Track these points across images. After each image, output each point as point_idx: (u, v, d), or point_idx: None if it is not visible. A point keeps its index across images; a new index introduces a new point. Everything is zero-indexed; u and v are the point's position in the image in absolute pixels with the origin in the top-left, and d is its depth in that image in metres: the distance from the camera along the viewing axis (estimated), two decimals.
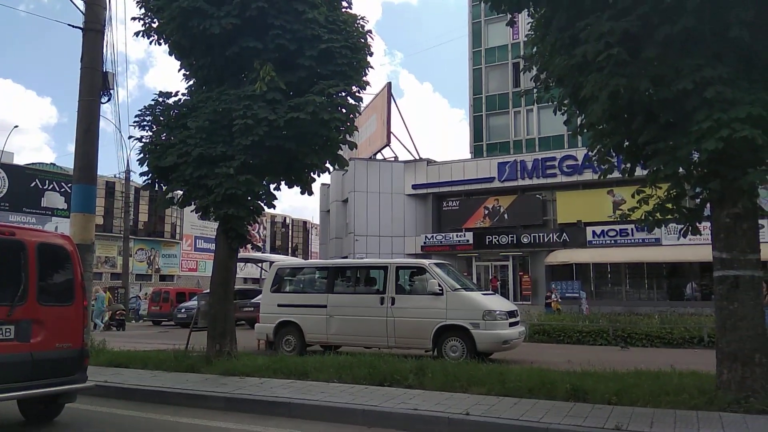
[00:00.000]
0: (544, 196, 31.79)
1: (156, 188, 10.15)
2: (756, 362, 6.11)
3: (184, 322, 22.36)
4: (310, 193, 10.45)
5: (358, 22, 9.87)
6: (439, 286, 10.70)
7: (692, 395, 6.25)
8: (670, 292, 28.24)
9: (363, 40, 9.80)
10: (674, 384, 6.73)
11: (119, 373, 8.98)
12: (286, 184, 10.16)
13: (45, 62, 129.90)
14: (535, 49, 7.66)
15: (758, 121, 5.44)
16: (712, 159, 5.89)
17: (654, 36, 5.91)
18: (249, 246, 12.27)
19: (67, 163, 47.49)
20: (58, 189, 41.08)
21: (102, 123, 10.53)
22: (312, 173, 10.20)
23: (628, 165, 7.34)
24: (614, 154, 7.41)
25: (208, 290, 10.92)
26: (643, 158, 6.95)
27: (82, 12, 10.70)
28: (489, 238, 31.54)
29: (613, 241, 28.66)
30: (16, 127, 74.21)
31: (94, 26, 10.54)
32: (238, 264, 10.95)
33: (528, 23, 7.95)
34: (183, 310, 24.76)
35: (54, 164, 46.48)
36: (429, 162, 34.94)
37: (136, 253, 49.85)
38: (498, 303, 11.08)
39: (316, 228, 67.56)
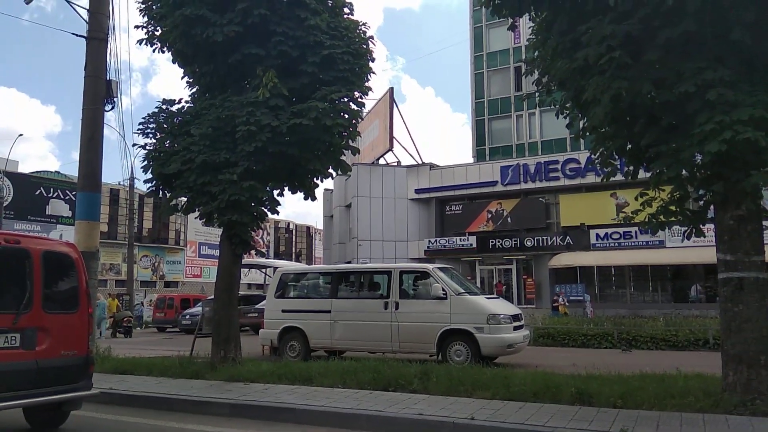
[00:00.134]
0: (548, 200, 31.77)
1: (160, 195, 10.18)
2: (761, 364, 6.09)
3: (189, 329, 22.33)
4: (314, 198, 10.48)
5: (359, 28, 9.91)
6: (443, 290, 10.69)
7: (698, 398, 6.23)
8: (674, 295, 28.14)
9: (365, 46, 9.84)
10: (679, 387, 6.71)
11: (124, 380, 8.99)
12: (289, 189, 10.18)
13: (49, 71, 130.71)
14: (536, 53, 7.67)
15: (761, 123, 5.44)
16: (715, 161, 5.88)
17: (655, 39, 5.93)
18: (253, 252, 12.28)
19: (72, 171, 47.61)
20: (62, 197, 41.29)
21: (106, 131, 10.55)
22: (315, 179, 10.24)
23: (631, 168, 7.33)
24: (617, 157, 7.40)
25: (213, 296, 10.94)
26: (645, 161, 6.94)
27: (85, 21, 10.75)
28: (492, 242, 31.51)
29: (616, 244, 28.59)
30: (21, 135, 74.63)
31: (97, 35, 10.58)
32: (242, 270, 10.96)
33: (529, 27, 7.97)
34: (187, 317, 24.75)
35: (58, 172, 46.70)
36: (432, 166, 34.97)
37: (140, 259, 49.95)
38: (502, 307, 11.06)
39: (319, 233, 67.56)
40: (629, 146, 7.09)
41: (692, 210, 6.92)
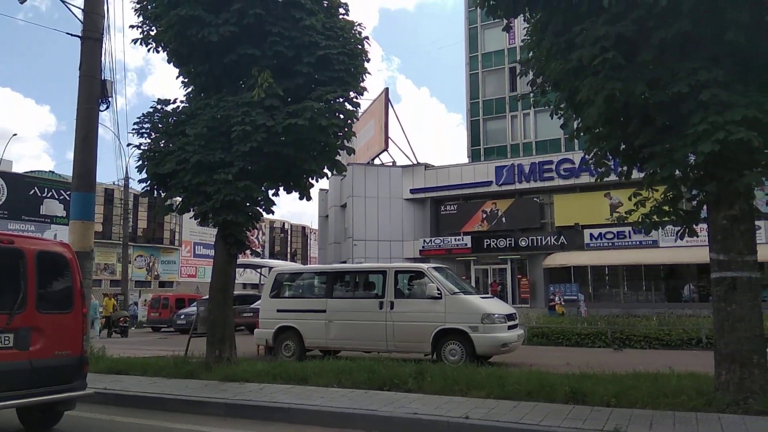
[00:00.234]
0: (542, 200, 31.87)
1: (155, 195, 10.16)
2: (754, 363, 6.13)
3: (184, 329, 22.32)
4: (309, 198, 10.48)
5: (355, 28, 9.91)
6: (438, 290, 10.71)
7: (691, 397, 6.26)
8: (668, 294, 28.29)
9: (360, 47, 9.84)
10: (673, 386, 6.74)
11: (119, 380, 8.97)
12: (284, 189, 10.18)
13: (44, 70, 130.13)
14: (531, 54, 7.68)
15: (754, 124, 5.47)
16: (708, 161, 5.91)
17: (649, 40, 5.95)
18: (248, 252, 12.27)
19: (66, 170, 47.49)
20: (57, 197, 41.10)
21: (101, 131, 10.55)
22: (310, 179, 10.23)
23: (625, 168, 7.36)
24: (611, 157, 7.42)
25: (208, 296, 10.92)
26: (639, 161, 6.97)
27: (80, 20, 10.74)
28: (487, 242, 31.59)
29: (610, 244, 28.71)
30: (15, 135, 74.30)
31: (92, 35, 10.57)
32: (237, 270, 10.95)
33: (524, 28, 7.99)
34: (182, 316, 24.71)
35: (53, 172, 46.52)
36: (427, 166, 35.03)
37: (135, 259, 49.79)
38: (497, 306, 11.08)
39: (314, 233, 67.54)
40: (623, 146, 7.11)
41: (685, 210, 6.96)
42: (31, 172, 45.37)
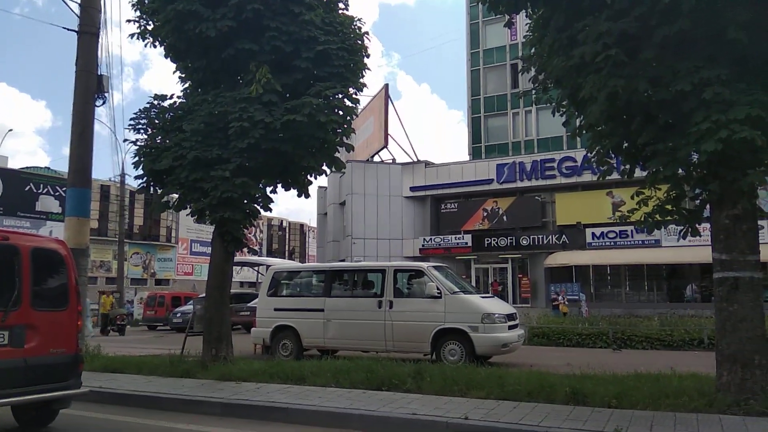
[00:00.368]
0: (543, 198, 31.81)
1: (151, 192, 10.09)
2: (756, 364, 6.08)
3: (180, 327, 22.24)
4: (307, 195, 10.41)
5: (354, 23, 9.84)
6: (438, 289, 10.65)
7: (692, 398, 6.22)
8: (670, 294, 28.25)
9: (360, 42, 9.77)
10: (674, 386, 6.69)
11: (114, 379, 8.91)
12: (282, 186, 10.12)
13: (40, 65, 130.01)
14: (533, 50, 7.63)
15: (757, 122, 5.42)
16: (711, 160, 5.85)
17: (652, 37, 5.89)
18: (245, 249, 12.19)
19: (62, 166, 47.50)
20: (52, 193, 40.99)
21: (97, 126, 10.48)
22: (309, 176, 10.15)
23: (627, 166, 7.31)
24: (613, 156, 7.38)
25: (204, 294, 10.86)
26: (642, 159, 6.92)
27: (77, 15, 10.64)
28: (488, 241, 31.53)
29: (612, 243, 28.66)
30: (11, 130, 74.13)
31: (89, 29, 10.47)
32: (234, 268, 10.89)
33: (526, 24, 7.93)
34: (179, 315, 24.65)
35: (48, 168, 46.49)
36: (427, 164, 34.95)
37: (131, 257, 49.79)
38: (497, 306, 11.02)
39: (313, 231, 67.49)
40: (625, 145, 7.06)
41: (688, 209, 6.90)
42: (27, 168, 45.37)
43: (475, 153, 37.25)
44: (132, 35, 9.96)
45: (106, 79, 10.73)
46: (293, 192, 10.23)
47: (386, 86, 36.49)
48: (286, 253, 73.68)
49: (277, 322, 12.03)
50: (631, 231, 27.56)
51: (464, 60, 39.08)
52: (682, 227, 6.98)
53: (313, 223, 58.21)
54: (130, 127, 9.76)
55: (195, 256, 56.87)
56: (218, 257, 9.87)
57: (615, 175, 7.55)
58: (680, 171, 6.42)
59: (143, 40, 9.96)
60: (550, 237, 30.18)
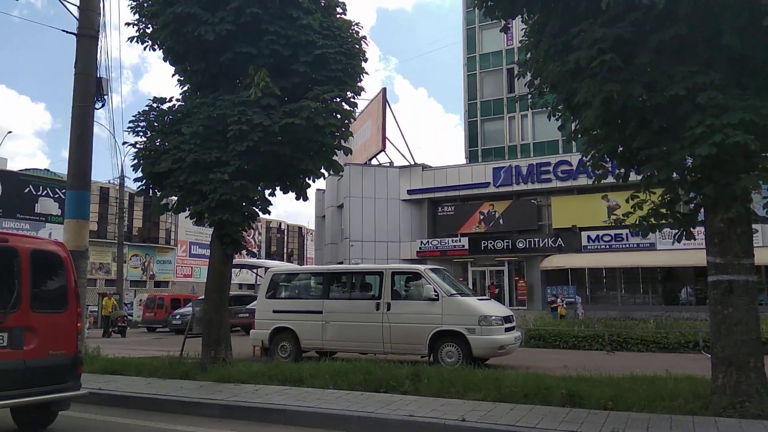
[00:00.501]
0: (539, 201, 31.89)
1: (150, 194, 10.10)
2: (751, 367, 6.12)
3: (179, 329, 22.24)
4: (305, 198, 10.44)
5: (352, 28, 9.89)
6: (435, 291, 10.69)
7: (688, 400, 6.25)
8: (665, 297, 28.32)
9: (357, 46, 9.82)
10: (670, 389, 6.73)
11: (113, 381, 8.92)
12: (281, 189, 10.14)
13: (39, 68, 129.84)
14: (528, 55, 7.68)
15: (751, 127, 5.46)
16: (705, 164, 5.91)
17: (647, 42, 5.94)
18: (244, 252, 12.23)
19: (61, 169, 47.28)
20: (51, 195, 40.91)
21: (96, 129, 10.52)
22: (307, 179, 10.19)
23: (623, 170, 7.36)
24: (608, 160, 7.43)
25: (203, 296, 10.88)
26: (637, 163, 6.96)
27: (76, 18, 10.69)
28: (484, 244, 31.58)
29: (608, 246, 28.73)
30: (10, 132, 73.88)
31: (88, 32, 10.52)
32: (233, 270, 10.91)
33: (522, 29, 7.98)
34: (178, 317, 24.66)
35: (48, 170, 46.33)
36: (424, 167, 35.01)
37: (130, 259, 49.65)
38: (494, 308, 11.07)
39: (311, 233, 67.40)
40: (620, 149, 7.11)
41: (683, 213, 6.96)
42: (26, 170, 45.19)
43: (471, 156, 37.30)
44: (131, 38, 9.96)
45: (105, 82, 10.79)
46: (291, 195, 10.26)
47: (384, 90, 36.57)
48: (285, 255, 73.56)
49: (275, 324, 12.06)
50: (627, 234, 27.62)
51: (461, 64, 39.16)
52: (677, 231, 7.04)
53: (312, 226, 58.16)
54: (130, 129, 9.78)
55: (194, 259, 56.74)
56: (217, 259, 9.90)
57: (610, 179, 7.60)
58: (675, 175, 6.49)
59: (142, 43, 9.97)
60: (546, 240, 30.24)
